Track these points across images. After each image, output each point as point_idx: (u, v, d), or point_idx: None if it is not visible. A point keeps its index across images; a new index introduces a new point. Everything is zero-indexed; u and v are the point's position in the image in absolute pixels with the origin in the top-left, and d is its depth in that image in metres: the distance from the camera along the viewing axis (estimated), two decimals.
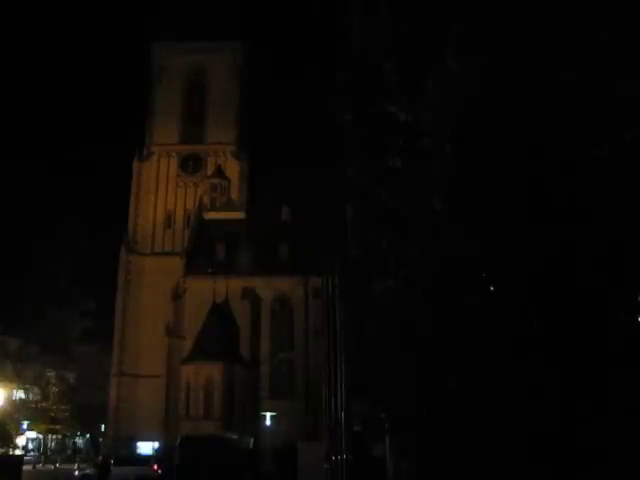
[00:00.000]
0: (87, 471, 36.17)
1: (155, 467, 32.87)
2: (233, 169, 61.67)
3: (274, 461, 35.43)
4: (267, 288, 50.80)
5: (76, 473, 37.91)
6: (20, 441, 60.87)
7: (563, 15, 7.30)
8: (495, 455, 8.08)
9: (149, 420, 49.53)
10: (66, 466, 49.71)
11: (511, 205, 7.78)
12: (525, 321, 7.73)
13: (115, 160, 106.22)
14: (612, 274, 6.94)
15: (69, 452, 65.90)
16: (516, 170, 7.74)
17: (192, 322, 49.34)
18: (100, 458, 42.52)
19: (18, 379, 58.00)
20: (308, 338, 48.65)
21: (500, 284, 8.26)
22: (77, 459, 53.40)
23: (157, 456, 40.80)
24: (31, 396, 61.36)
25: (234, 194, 60.29)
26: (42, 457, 58.02)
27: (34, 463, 50.84)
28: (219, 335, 47.77)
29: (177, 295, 52.20)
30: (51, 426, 60.77)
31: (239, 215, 57.07)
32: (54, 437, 66.98)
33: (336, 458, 22.97)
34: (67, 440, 69.79)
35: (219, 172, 59.82)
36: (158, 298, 53.63)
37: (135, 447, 49.98)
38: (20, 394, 60.24)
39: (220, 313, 49.31)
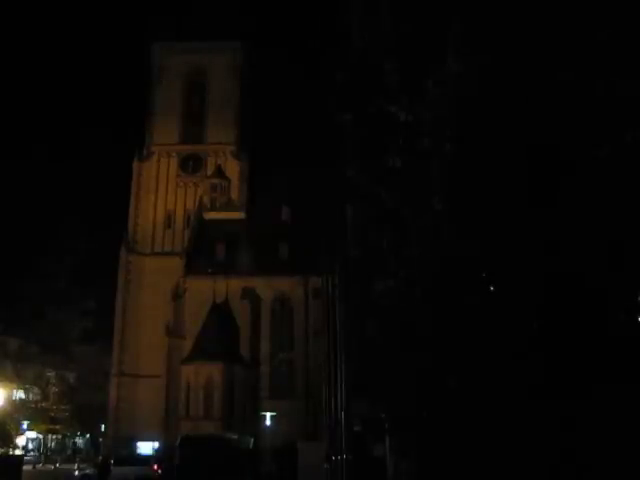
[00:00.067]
0: (87, 471, 36.18)
1: (155, 467, 32.88)
2: (233, 169, 61.68)
3: (274, 461, 35.43)
4: (267, 288, 50.80)
5: (76, 473, 37.92)
6: (20, 441, 60.90)
7: (563, 15, 7.30)
8: (495, 455, 8.08)
9: (149, 420, 49.53)
10: (66, 466, 49.72)
11: (511, 205, 7.78)
12: (525, 321, 7.73)
13: (115, 160, 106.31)
14: (612, 274, 6.94)
15: (69, 452, 65.92)
16: (516, 170, 7.74)
17: (192, 322, 49.35)
18: (100, 458, 42.54)
19: (18, 379, 57.99)
20: (308, 338, 48.66)
21: (500, 284, 8.26)
22: (77, 459, 53.44)
23: (157, 456, 40.82)
24: (31, 396, 61.36)
25: (234, 194, 60.30)
26: (42, 457, 58.05)
27: (34, 463, 50.86)
28: (219, 335, 47.77)
29: (177, 295, 52.20)
30: (51, 426, 60.81)
31: (239, 215, 57.08)
32: (54, 437, 67.01)
33: (336, 458, 22.97)
34: (67, 440, 69.82)
35: (219, 172, 59.82)
36: (158, 298, 53.63)
37: (135, 447, 49.98)
38: (20, 394, 60.24)
39: (220, 313, 49.32)
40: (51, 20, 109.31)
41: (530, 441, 7.53)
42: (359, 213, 13.46)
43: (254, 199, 62.04)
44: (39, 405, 59.41)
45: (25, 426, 59.19)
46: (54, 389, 60.76)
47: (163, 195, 61.23)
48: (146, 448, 49.64)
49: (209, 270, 50.63)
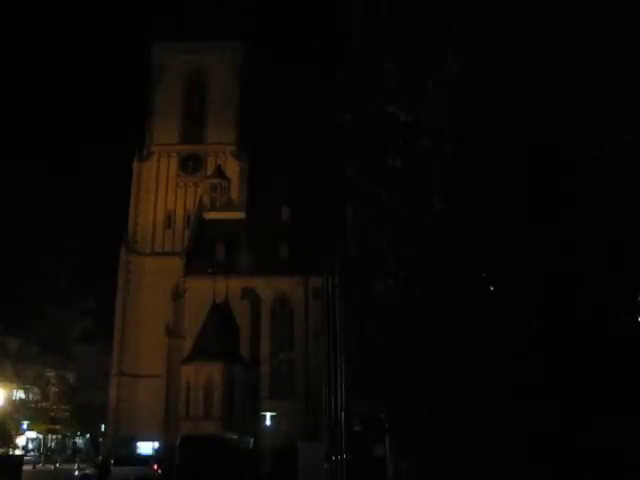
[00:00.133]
0: (87, 471, 36.19)
1: (155, 467, 32.88)
2: (233, 169, 61.67)
3: (274, 461, 35.43)
4: (267, 288, 50.79)
5: (76, 473, 37.92)
6: (20, 441, 60.89)
7: (563, 15, 7.30)
8: (495, 455, 8.08)
9: (149, 420, 49.52)
10: (66, 466, 49.73)
11: (511, 205, 7.78)
12: (525, 321, 7.73)
13: (115, 160, 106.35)
14: (612, 274, 6.94)
15: (69, 452, 65.92)
16: (516, 170, 7.74)
17: (192, 322, 49.33)
18: (100, 458, 42.54)
19: (18, 379, 57.99)
20: (308, 338, 48.64)
21: (500, 284, 8.26)
22: (77, 459, 53.44)
23: (157, 456, 40.82)
24: (31, 396, 61.36)
25: (234, 194, 60.29)
26: (42, 457, 58.04)
27: (34, 463, 50.86)
28: (219, 335, 47.77)
29: (177, 295, 52.19)
30: (51, 426, 60.82)
31: (239, 215, 57.07)
32: (54, 437, 67.01)
33: (336, 458, 22.98)
34: (67, 440, 69.81)
35: (219, 172, 59.82)
36: (158, 298, 53.62)
37: (135, 447, 49.97)
38: (20, 394, 60.24)
39: (220, 313, 49.31)
40: (51, 20, 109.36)
41: (530, 441, 7.53)
42: (359, 213, 13.46)
43: (254, 199, 62.07)
44: (39, 405, 59.41)
45: (25, 426, 59.18)
46: (54, 389, 60.77)
47: (163, 195, 61.23)
48: (146, 448, 49.63)
49: (209, 270, 50.63)
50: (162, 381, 49.67)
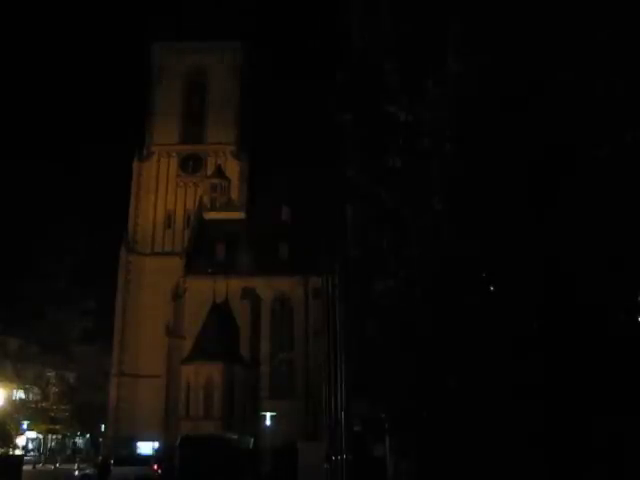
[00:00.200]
0: (87, 471, 36.18)
1: (155, 467, 32.88)
2: (233, 169, 61.67)
3: (274, 461, 35.44)
4: (267, 288, 50.79)
5: (76, 473, 37.92)
6: (20, 441, 60.87)
7: (563, 15, 7.30)
8: (495, 455, 8.09)
9: (149, 420, 49.52)
10: (66, 466, 49.74)
11: (511, 205, 7.78)
12: (525, 321, 7.73)
13: (115, 160, 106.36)
14: (612, 274, 6.94)
15: (69, 452, 65.94)
16: (516, 170, 7.73)
17: (192, 322, 49.32)
18: (100, 458, 42.54)
19: (18, 379, 57.98)
20: (308, 338, 48.64)
21: (500, 284, 8.26)
22: (77, 459, 53.43)
23: (157, 456, 40.82)
24: (31, 396, 61.35)
25: (234, 194, 60.29)
26: (42, 457, 58.05)
27: (34, 463, 50.84)
28: (219, 335, 47.76)
29: (177, 295, 52.19)
30: (51, 426, 60.81)
31: (239, 215, 57.06)
32: (54, 437, 67.01)
33: (336, 458, 22.99)
34: (67, 440, 69.82)
35: (219, 172, 59.81)
36: (158, 298, 53.62)
37: (135, 447, 49.98)
38: (20, 394, 60.23)
39: (220, 313, 49.31)
40: (51, 20, 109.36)
41: (530, 441, 7.53)
42: (359, 213, 13.46)
43: (254, 199, 62.06)
44: (39, 405, 59.39)
45: (25, 426, 59.17)
46: (54, 389, 60.76)
47: (163, 195, 61.22)
48: (146, 448, 49.63)
49: (209, 270, 50.62)
50: (162, 381, 49.66)
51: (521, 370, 7.61)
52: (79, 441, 72.06)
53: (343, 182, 14.34)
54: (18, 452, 54.76)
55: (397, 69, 9.46)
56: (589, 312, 7.11)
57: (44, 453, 61.24)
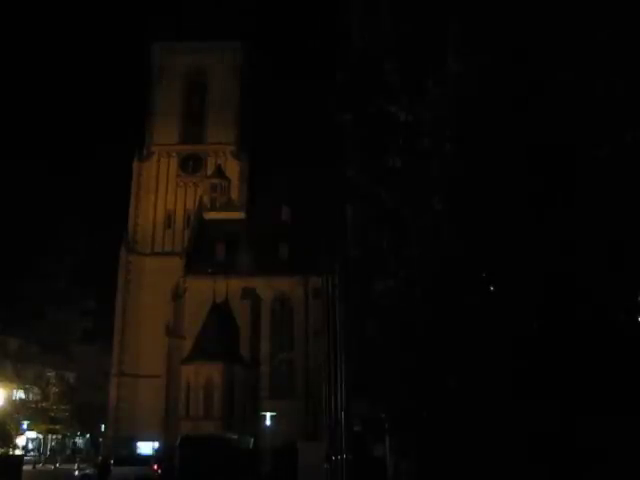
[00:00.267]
0: (87, 471, 36.19)
1: (155, 467, 32.89)
2: (233, 169, 61.66)
3: (274, 461, 35.43)
4: (267, 288, 50.78)
5: (76, 473, 37.93)
6: (20, 441, 60.86)
7: (563, 15, 7.30)
8: (495, 455, 8.09)
9: (149, 420, 49.52)
10: (66, 466, 49.75)
11: (511, 205, 7.78)
12: (525, 321, 7.73)
13: (115, 160, 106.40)
14: (612, 274, 6.94)
15: (69, 452, 65.93)
16: (516, 170, 7.73)
17: (192, 322, 49.32)
18: (100, 458, 42.55)
19: (18, 379, 58.01)
20: (308, 338, 48.63)
21: (500, 284, 8.26)
22: (77, 459, 53.42)
23: (157, 456, 40.83)
24: (31, 396, 61.36)
25: (234, 194, 60.28)
26: (42, 457, 58.04)
27: (34, 463, 50.83)
28: (219, 335, 47.76)
29: (177, 295, 52.19)
30: (51, 426, 60.83)
31: (239, 215, 57.05)
32: (54, 437, 67.01)
33: (336, 458, 22.99)
34: (67, 440, 69.82)
35: (219, 172, 59.80)
36: (158, 298, 53.61)
37: (135, 447, 49.98)
38: (20, 394, 60.25)
39: (220, 313, 49.30)
40: (51, 20, 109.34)
41: (530, 441, 7.53)
42: (359, 213, 13.46)
43: (254, 199, 62.05)
44: (39, 405, 59.40)
45: (25, 426, 59.17)
46: (54, 389, 60.77)
47: (163, 195, 61.21)
48: (146, 448, 49.63)
49: (209, 270, 50.61)
50: (162, 381, 49.66)
51: (521, 370, 7.61)
52: (79, 441, 72.08)
53: (343, 182, 14.34)
54: (18, 452, 54.76)
55: (397, 69, 9.45)
56: (589, 312, 7.11)
57: (44, 453, 61.26)
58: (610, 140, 6.99)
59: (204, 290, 49.68)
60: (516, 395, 7.65)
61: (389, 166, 9.77)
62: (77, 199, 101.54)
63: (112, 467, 32.26)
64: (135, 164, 62.05)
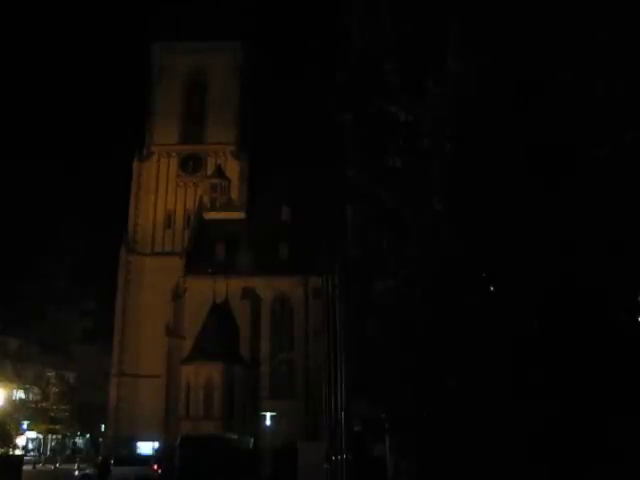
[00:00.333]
0: (87, 471, 36.20)
1: (155, 467, 32.89)
2: (233, 169, 61.66)
3: (274, 461, 35.43)
4: (267, 288, 50.79)
5: (76, 473, 37.93)
6: (20, 441, 60.88)
7: (563, 15, 7.30)
8: (495, 455, 8.08)
9: (149, 420, 49.52)
10: (66, 466, 49.76)
11: (511, 205, 7.78)
12: (525, 321, 7.73)
13: (115, 160, 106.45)
14: (612, 274, 6.94)
15: (69, 452, 65.93)
16: (516, 170, 7.74)
17: (192, 322, 49.33)
18: (100, 458, 42.54)
19: (18, 379, 58.03)
20: (308, 338, 48.63)
21: (500, 284, 8.26)
22: (77, 459, 53.43)
23: (157, 456, 40.81)
24: (31, 396, 61.38)
25: (234, 194, 60.29)
26: (42, 457, 58.04)
27: (34, 463, 50.85)
28: (219, 335, 47.76)
29: (177, 295, 52.20)
30: (51, 426, 60.84)
31: (239, 215, 57.06)
32: (54, 437, 67.03)
33: (336, 458, 22.99)
34: (67, 440, 69.83)
35: (219, 172, 59.81)
36: (158, 298, 53.62)
37: (135, 447, 49.96)
38: (20, 394, 60.27)
39: (220, 313, 49.31)
40: (51, 20, 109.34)
41: (530, 441, 7.53)
42: (359, 213, 13.46)
43: (254, 199, 62.06)
44: (39, 405, 59.41)
45: (25, 426, 59.19)
46: (54, 389, 60.78)
47: (163, 195, 61.21)
48: (146, 448, 49.62)
49: (209, 270, 50.61)
50: (162, 381, 49.67)
51: (521, 370, 7.61)
52: (79, 441, 72.08)
53: (343, 182, 14.33)
54: (18, 452, 54.78)
55: (397, 69, 9.45)
56: (589, 312, 7.11)
57: (44, 453, 61.25)
58: (610, 140, 6.99)
59: (204, 290, 49.69)
60: (516, 395, 7.65)
61: (389, 166, 9.77)
62: (77, 199, 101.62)
63: (112, 467, 32.27)
64: (135, 164, 62.05)
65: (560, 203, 7.31)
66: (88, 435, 69.79)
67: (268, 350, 49.55)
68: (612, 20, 6.94)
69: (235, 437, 36.04)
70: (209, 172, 60.63)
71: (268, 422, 44.81)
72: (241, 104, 63.72)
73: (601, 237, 6.98)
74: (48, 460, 56.28)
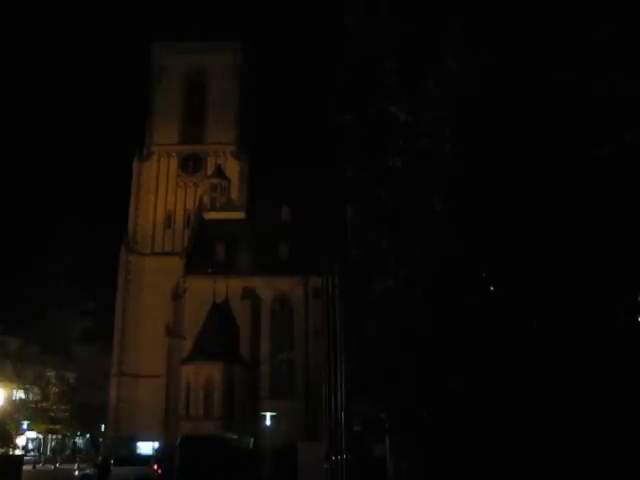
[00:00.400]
0: (87, 471, 36.18)
1: (155, 467, 32.89)
2: (233, 169, 61.67)
3: (274, 461, 35.45)
4: (267, 288, 50.79)
5: (76, 473, 37.92)
6: (20, 441, 60.87)
7: (563, 15, 7.30)
8: (495, 455, 8.09)
9: (149, 420, 49.52)
10: (66, 466, 49.76)
11: (511, 205, 7.78)
12: (525, 321, 7.73)
13: (115, 160, 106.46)
14: (612, 274, 6.94)
15: (69, 452, 65.93)
16: (516, 170, 7.74)
17: (192, 322, 49.33)
18: (100, 458, 42.54)
19: (18, 379, 58.02)
20: (308, 338, 48.64)
21: (500, 284, 8.26)
22: (77, 459, 53.43)
23: (157, 456, 40.82)
24: (31, 396, 61.38)
25: (234, 194, 60.30)
26: (42, 457, 58.03)
27: (34, 463, 50.85)
28: (219, 335, 47.77)
29: (177, 295, 52.20)
30: (51, 426, 60.82)
31: (239, 215, 57.08)
32: (54, 437, 67.01)
33: (336, 458, 22.99)
34: (67, 440, 69.81)
35: (219, 172, 59.82)
36: (158, 298, 53.62)
37: (135, 447, 49.97)
38: (20, 394, 60.27)
39: (220, 313, 49.31)
40: (51, 20, 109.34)
41: (529, 441, 7.53)
42: (359, 213, 13.46)
43: (254, 199, 62.08)
44: (39, 405, 59.41)
45: (25, 426, 59.18)
46: (54, 389, 60.78)
47: (163, 195, 61.22)
48: (146, 448, 49.63)
49: (209, 270, 50.62)
50: (162, 381, 49.67)
51: (521, 370, 7.61)
52: (79, 441, 72.07)
53: (343, 182, 14.33)
54: (18, 452, 54.77)
55: (397, 69, 9.45)
56: (589, 312, 7.11)
57: (44, 453, 61.24)
58: (610, 140, 6.99)
59: (204, 290, 49.69)
60: (516, 395, 7.65)
61: (389, 166, 9.77)
62: (77, 199, 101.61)
63: (112, 467, 32.27)
64: (135, 164, 62.07)
65: (560, 203, 7.31)
66: (88, 435, 69.78)
67: (268, 350, 49.56)
68: (612, 20, 6.94)
69: (235, 437, 36.05)
70: (209, 172, 60.65)
71: (268, 422, 44.82)
72: (241, 104, 63.74)
73: (601, 237, 6.98)
74: (48, 460, 56.28)
